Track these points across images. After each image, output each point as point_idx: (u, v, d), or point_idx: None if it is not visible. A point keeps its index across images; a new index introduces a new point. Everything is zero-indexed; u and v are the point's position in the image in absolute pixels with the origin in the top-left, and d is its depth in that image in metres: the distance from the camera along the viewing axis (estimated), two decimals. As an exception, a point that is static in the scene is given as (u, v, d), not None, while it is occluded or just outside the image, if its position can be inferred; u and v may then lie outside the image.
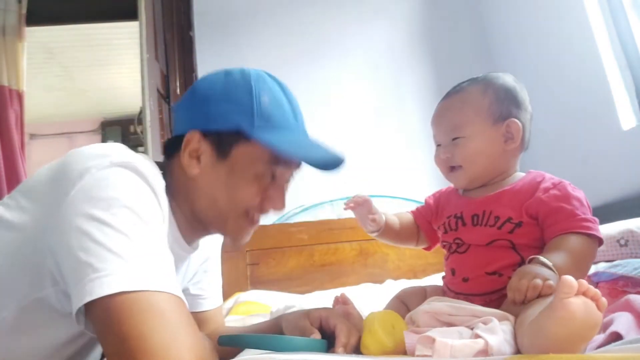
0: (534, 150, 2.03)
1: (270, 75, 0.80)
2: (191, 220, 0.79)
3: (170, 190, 0.71)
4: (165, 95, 2.11)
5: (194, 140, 0.74)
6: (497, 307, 0.71)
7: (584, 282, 0.52)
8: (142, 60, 1.79)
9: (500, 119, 0.85)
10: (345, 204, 0.97)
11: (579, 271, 0.74)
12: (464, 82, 0.91)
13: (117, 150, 0.64)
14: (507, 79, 0.89)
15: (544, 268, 0.69)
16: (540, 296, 0.64)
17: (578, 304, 0.51)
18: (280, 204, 0.80)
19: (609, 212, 1.45)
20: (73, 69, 4.03)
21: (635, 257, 1.08)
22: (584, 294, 0.52)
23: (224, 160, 0.75)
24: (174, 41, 2.37)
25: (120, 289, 0.52)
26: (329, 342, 0.71)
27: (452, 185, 0.96)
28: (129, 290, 0.52)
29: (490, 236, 0.80)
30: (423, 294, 0.88)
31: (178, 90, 2.38)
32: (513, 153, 0.87)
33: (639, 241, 1.14)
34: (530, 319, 0.58)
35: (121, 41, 3.58)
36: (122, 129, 4.97)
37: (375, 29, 2.44)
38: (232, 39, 2.34)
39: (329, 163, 0.77)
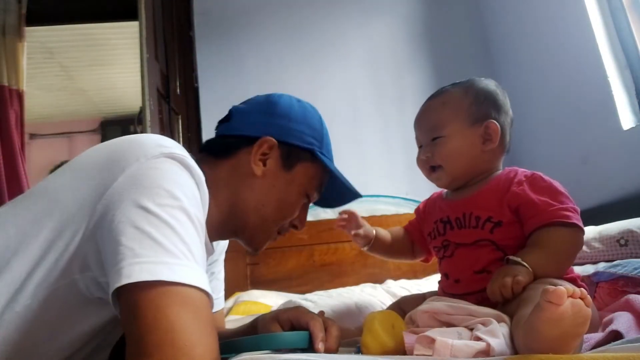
0: (534, 150, 2.03)
1: None
2: (221, 220, 0.80)
3: (207, 186, 0.70)
4: (165, 95, 2.10)
5: (267, 145, 0.81)
6: (489, 304, 0.72)
7: (569, 287, 0.52)
8: (142, 60, 1.79)
9: (479, 121, 0.86)
10: (335, 224, 1.04)
11: (558, 264, 0.75)
12: (447, 86, 0.93)
13: (167, 141, 0.65)
14: (489, 83, 0.91)
15: (517, 266, 0.71)
16: (514, 293, 0.67)
17: (565, 304, 0.51)
18: (303, 223, 0.90)
19: (609, 212, 1.45)
20: (73, 69, 4.04)
21: (635, 257, 1.08)
22: (571, 296, 0.52)
23: (287, 172, 0.83)
24: (174, 41, 2.37)
25: (159, 277, 0.51)
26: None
27: (437, 190, 0.98)
28: (168, 281, 0.51)
29: (474, 236, 0.82)
30: (422, 300, 0.88)
31: (178, 90, 2.37)
32: (492, 154, 0.88)
33: (639, 241, 1.14)
34: (524, 319, 0.58)
35: (121, 41, 3.58)
36: (122, 129, 4.97)
37: (375, 29, 2.44)
38: (232, 39, 2.34)
39: (351, 196, 0.92)
